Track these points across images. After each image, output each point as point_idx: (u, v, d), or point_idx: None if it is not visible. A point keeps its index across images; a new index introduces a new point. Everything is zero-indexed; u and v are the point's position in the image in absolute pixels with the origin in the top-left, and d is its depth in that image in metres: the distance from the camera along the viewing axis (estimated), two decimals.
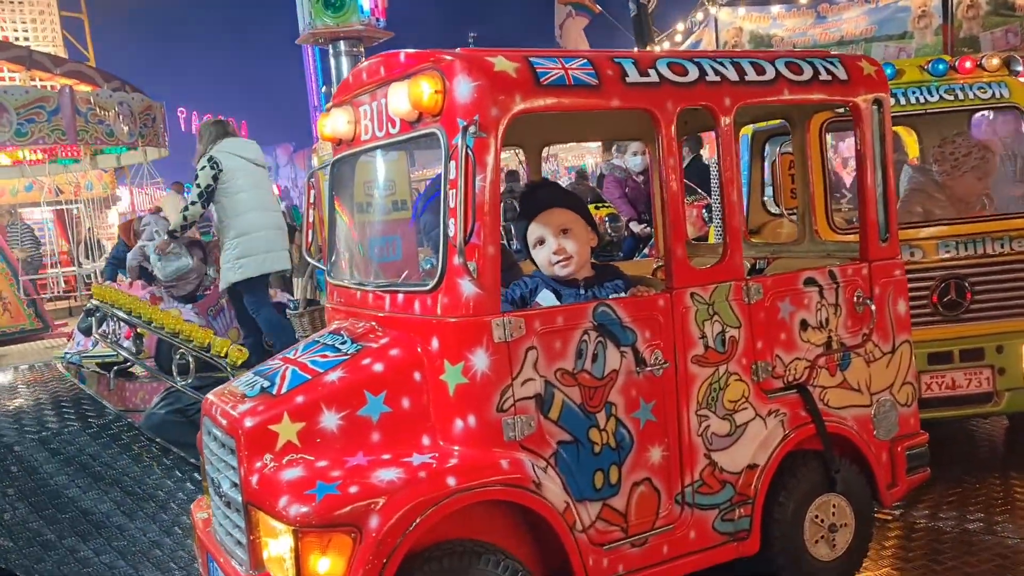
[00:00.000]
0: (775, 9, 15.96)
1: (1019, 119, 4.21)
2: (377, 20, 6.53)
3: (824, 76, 3.01)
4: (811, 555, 2.95)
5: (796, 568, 2.93)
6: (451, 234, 2.41)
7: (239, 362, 4.65)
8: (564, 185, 3.26)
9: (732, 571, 2.92)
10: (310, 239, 3.44)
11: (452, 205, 2.40)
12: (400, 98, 2.57)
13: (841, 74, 3.04)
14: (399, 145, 2.84)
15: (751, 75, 2.86)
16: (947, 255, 3.92)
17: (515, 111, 2.46)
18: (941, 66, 4.09)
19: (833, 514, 2.98)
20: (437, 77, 2.47)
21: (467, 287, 2.43)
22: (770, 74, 2.90)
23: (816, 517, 2.95)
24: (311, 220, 3.46)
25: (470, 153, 2.35)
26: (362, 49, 6.57)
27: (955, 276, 3.94)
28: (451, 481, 2.33)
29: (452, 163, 2.39)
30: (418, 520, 2.25)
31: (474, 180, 2.36)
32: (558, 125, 3.68)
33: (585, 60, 2.62)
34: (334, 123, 3.08)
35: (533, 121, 2.89)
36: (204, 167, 5.95)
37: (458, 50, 2.54)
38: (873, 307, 3.06)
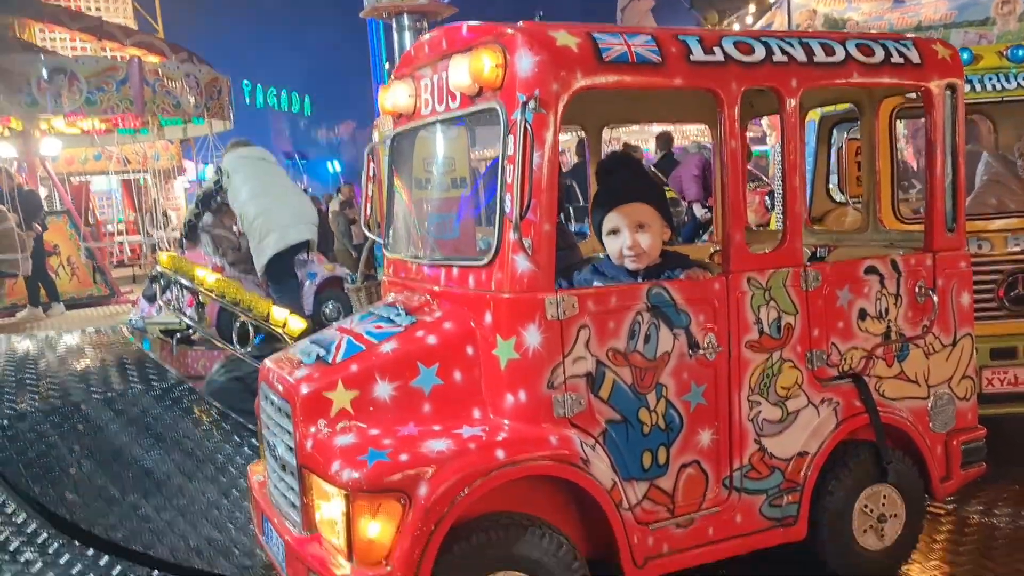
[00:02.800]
0: None
1: None
2: None
3: (896, 59, 2.93)
4: (859, 544, 2.92)
5: (843, 556, 2.90)
6: (507, 210, 2.42)
7: (297, 332, 4.74)
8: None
9: (775, 560, 2.90)
10: (368, 212, 3.48)
11: (509, 180, 2.41)
12: (461, 71, 2.58)
13: (914, 57, 2.97)
14: (459, 120, 2.85)
15: (820, 56, 2.81)
16: (1017, 248, 3.81)
17: (576, 87, 2.45)
18: (1021, 52, 3.96)
19: (883, 504, 2.94)
20: (499, 51, 2.47)
21: (522, 263, 2.44)
22: (840, 55, 2.84)
23: (866, 507, 2.91)
24: (369, 193, 3.49)
25: (529, 128, 2.35)
26: (426, 24, 6.59)
27: (1022, 271, 3.83)
28: (500, 454, 2.36)
29: (511, 138, 2.40)
30: (466, 490, 2.29)
31: (532, 156, 2.36)
32: (619, 105, 3.66)
33: (649, 37, 2.60)
34: (395, 96, 3.10)
35: (594, 99, 2.88)
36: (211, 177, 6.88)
37: (520, 24, 2.53)
38: (935, 299, 3.00)
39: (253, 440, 4.47)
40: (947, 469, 3.08)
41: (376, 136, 6.72)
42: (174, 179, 20.87)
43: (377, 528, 2.28)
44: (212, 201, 7.60)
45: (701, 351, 2.65)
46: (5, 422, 4.07)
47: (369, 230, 3.46)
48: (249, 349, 5.13)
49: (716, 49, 2.67)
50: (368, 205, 3.48)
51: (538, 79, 2.41)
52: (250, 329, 5.05)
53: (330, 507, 2.40)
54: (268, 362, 2.90)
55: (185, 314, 6.39)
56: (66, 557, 3.24)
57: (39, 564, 3.16)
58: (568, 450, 2.44)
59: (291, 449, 2.57)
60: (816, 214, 4.57)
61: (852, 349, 2.90)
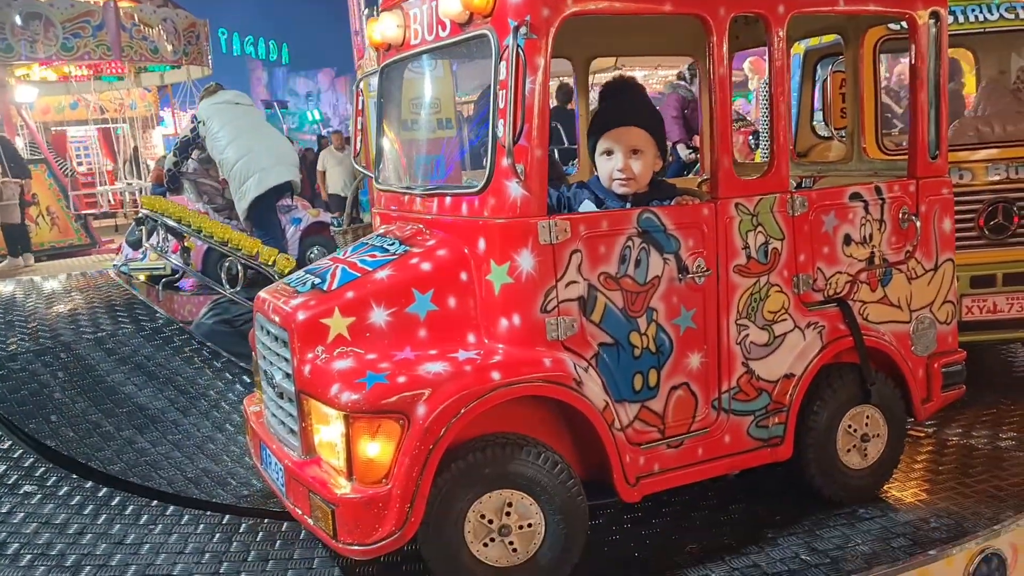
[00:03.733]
0: None
1: None
2: None
3: None
4: (843, 463, 3.01)
5: (827, 475, 2.99)
6: (500, 135, 2.44)
7: (287, 270, 4.76)
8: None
9: (760, 478, 3.00)
10: (358, 147, 3.48)
11: (501, 106, 2.42)
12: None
13: None
14: (448, 48, 2.84)
15: None
16: (997, 177, 3.87)
17: (566, 13, 2.46)
18: None
19: (866, 425, 3.03)
20: None
21: (514, 189, 2.47)
22: None
23: (849, 427, 3.00)
24: (359, 128, 3.49)
25: (521, 54, 2.36)
26: None
27: (1003, 200, 3.90)
28: (495, 375, 2.41)
29: (503, 64, 2.41)
30: (463, 411, 2.34)
31: (524, 82, 2.38)
32: (607, 36, 3.65)
33: None
34: (383, 27, 3.08)
35: (581, 30, 2.88)
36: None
37: None
38: (918, 224, 3.06)
39: (244, 377, 4.53)
40: (928, 391, 3.17)
41: (359, 74, 6.66)
42: (152, 128, 20.55)
43: (376, 448, 2.34)
44: (189, 148, 7.67)
45: (690, 275, 2.70)
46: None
47: (359, 164, 3.47)
48: (238, 290, 5.15)
49: None
50: (357, 139, 3.49)
51: (529, 4, 2.42)
52: (239, 269, 5.06)
53: (329, 430, 2.45)
54: (263, 293, 2.93)
55: (170, 258, 6.39)
56: (65, 489, 3.29)
57: (38, 496, 3.22)
58: (562, 371, 2.50)
59: (289, 376, 2.62)
60: (801, 149, 4.60)
61: (837, 274, 2.96)
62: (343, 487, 2.39)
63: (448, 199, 2.74)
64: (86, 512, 3.13)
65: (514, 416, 2.55)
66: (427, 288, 2.59)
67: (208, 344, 4.83)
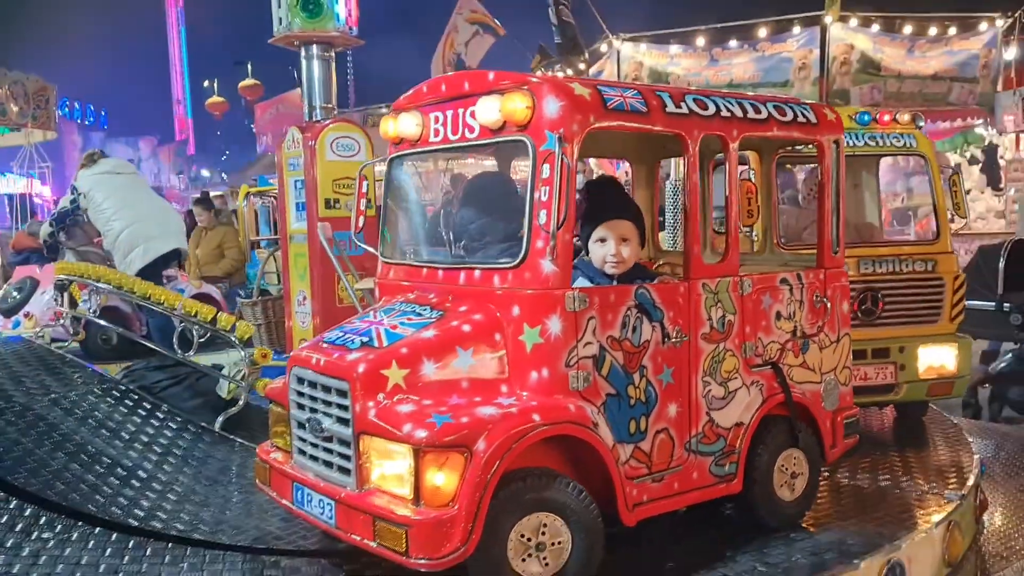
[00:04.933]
0: (674, 48, 17.18)
1: (926, 165, 5.18)
2: (350, 28, 7.01)
3: (800, 119, 3.79)
4: (778, 496, 3.69)
5: (767, 505, 3.66)
6: (542, 222, 3.02)
7: (247, 336, 5.04)
8: None
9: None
10: (361, 224, 3.94)
11: (545, 199, 3.01)
12: (490, 109, 3.16)
13: (812, 118, 3.84)
14: (476, 147, 3.41)
15: (751, 113, 3.61)
16: (868, 271, 4.82)
17: (590, 127, 3.10)
18: (866, 117, 5.01)
19: (794, 464, 3.74)
20: (528, 96, 3.08)
21: (547, 265, 3.04)
22: (764, 114, 3.66)
23: (782, 466, 3.70)
24: (362, 208, 3.96)
25: (566, 160, 2.97)
26: (332, 53, 7.00)
27: (871, 289, 4.85)
28: (536, 417, 2.93)
29: (546, 166, 3.01)
30: (513, 445, 2.84)
31: (568, 181, 2.98)
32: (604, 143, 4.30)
33: (636, 91, 3.30)
34: (402, 124, 3.61)
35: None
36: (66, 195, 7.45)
37: (540, 74, 3.15)
38: (828, 304, 3.86)
39: (202, 430, 4.76)
40: (834, 439, 3.94)
41: (281, 157, 7.01)
42: None
43: (443, 477, 2.79)
44: (67, 219, 7.72)
45: (671, 340, 3.34)
46: None
47: (359, 240, 3.93)
48: (191, 354, 5.34)
49: (682, 103, 3.40)
50: (360, 218, 3.95)
51: (562, 120, 3.04)
52: (194, 334, 5.27)
53: (395, 464, 2.88)
54: (303, 352, 3.32)
55: (99, 322, 6.42)
56: (75, 535, 3.45)
57: (52, 542, 3.36)
58: (584, 416, 3.05)
59: (345, 421, 3.02)
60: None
61: (772, 342, 3.70)
62: (410, 511, 2.80)
63: (478, 272, 3.27)
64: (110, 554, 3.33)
65: (536, 454, 3.06)
66: (468, 346, 3.10)
67: (160, 402, 5.00)
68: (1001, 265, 7.20)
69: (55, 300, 6.62)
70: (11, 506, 3.52)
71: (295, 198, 6.82)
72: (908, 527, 3.77)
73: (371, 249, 3.99)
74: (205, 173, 46.76)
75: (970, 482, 4.35)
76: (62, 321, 6.65)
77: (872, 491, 4.26)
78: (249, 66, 34.75)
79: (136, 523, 3.58)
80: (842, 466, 4.56)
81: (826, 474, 4.43)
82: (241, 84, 34.38)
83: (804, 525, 3.78)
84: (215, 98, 38.15)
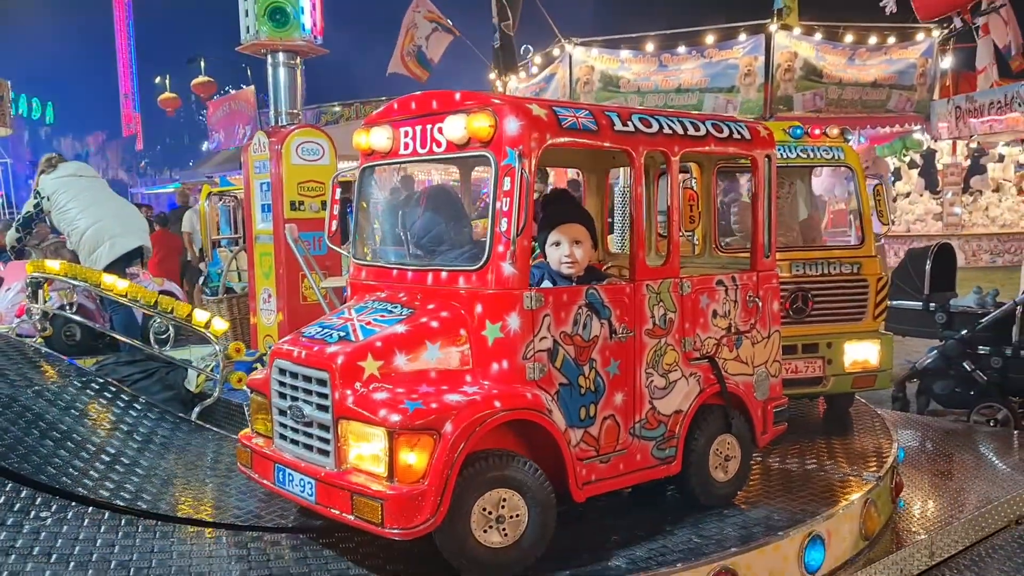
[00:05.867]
0: (624, 53, 17.69)
1: (852, 175, 5.64)
2: (316, 38, 7.29)
3: (736, 135, 4.20)
4: (712, 477, 4.09)
5: (704, 486, 4.06)
6: (503, 229, 3.37)
7: (221, 332, 5.31)
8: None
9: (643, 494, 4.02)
10: (334, 228, 4.25)
11: (505, 209, 3.36)
12: (457, 126, 3.51)
13: (747, 134, 4.25)
14: (443, 160, 3.76)
15: (691, 130, 4.00)
16: (799, 273, 5.26)
17: (546, 144, 3.46)
18: (799, 131, 5.46)
19: (728, 448, 4.14)
20: (490, 115, 3.43)
21: (508, 268, 3.39)
22: (703, 131, 4.06)
23: (717, 450, 4.10)
24: (336, 213, 4.28)
25: (525, 174, 3.33)
26: (298, 61, 7.27)
27: (801, 289, 5.29)
28: (497, 404, 3.28)
29: (507, 179, 3.36)
30: (477, 428, 3.19)
31: (526, 192, 3.34)
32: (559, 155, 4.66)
33: (588, 111, 3.66)
34: (374, 138, 3.94)
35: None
36: (28, 200, 7.81)
37: (501, 95, 3.50)
38: (760, 304, 4.28)
39: (179, 420, 5.03)
40: (764, 426, 4.35)
41: (247, 157, 7.27)
42: None
43: (414, 457, 3.12)
44: (32, 223, 7.97)
45: (617, 336, 3.72)
46: None
47: (333, 244, 4.24)
48: (167, 349, 5.60)
49: (629, 122, 3.78)
50: (334, 222, 4.26)
51: (521, 137, 3.40)
52: (170, 330, 5.52)
53: (371, 446, 3.21)
54: (283, 345, 3.63)
55: (73, 317, 6.63)
56: (70, 514, 3.71)
57: (50, 520, 3.62)
58: (539, 403, 3.41)
59: (324, 408, 3.34)
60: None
61: (708, 338, 4.09)
62: (385, 486, 3.14)
63: (444, 273, 3.61)
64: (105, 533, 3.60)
65: (496, 437, 3.41)
66: (436, 340, 3.44)
67: (137, 395, 5.25)
68: (928, 267, 7.72)
69: (27, 298, 6.80)
70: (7, 488, 3.76)
71: (261, 199, 7.11)
72: (829, 504, 4.19)
73: (343, 251, 4.31)
74: (152, 170, 46.26)
75: (887, 465, 4.80)
76: (31, 317, 6.84)
77: (799, 473, 4.69)
78: (202, 63, 34.61)
79: (125, 504, 3.84)
80: (773, 451, 4.99)
81: (758, 458, 4.86)
82: (194, 81, 34.20)
83: (736, 503, 4.19)
84: (167, 94, 37.85)
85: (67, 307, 6.70)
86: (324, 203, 6.86)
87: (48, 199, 7.55)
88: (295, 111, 7.24)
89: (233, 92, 31.24)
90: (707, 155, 4.53)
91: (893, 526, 4.69)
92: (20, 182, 30.75)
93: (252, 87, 27.65)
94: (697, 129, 4.04)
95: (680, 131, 3.95)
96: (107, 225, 7.41)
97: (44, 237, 8.99)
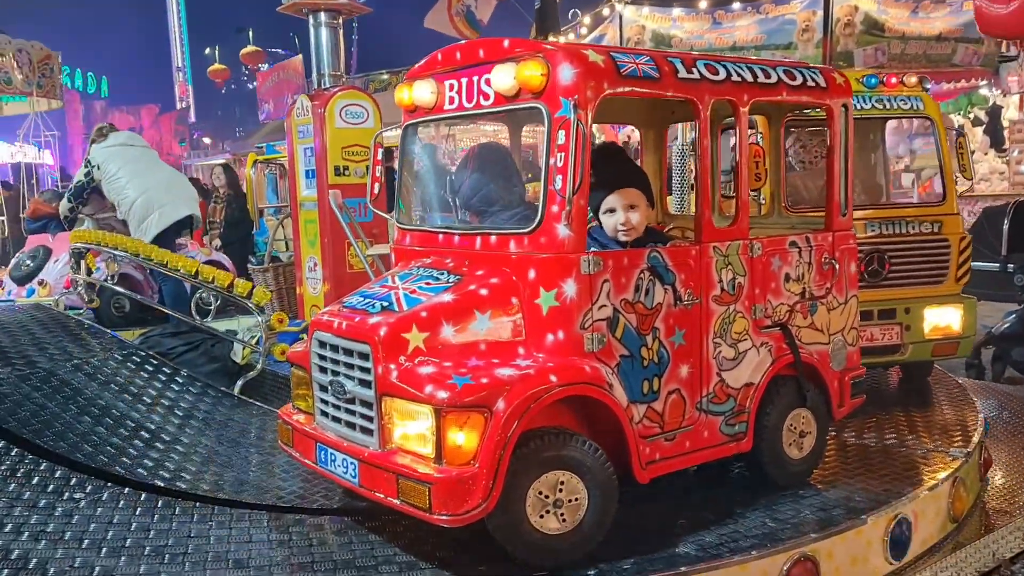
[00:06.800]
0: (676, 11, 17.07)
1: (932, 128, 5.21)
2: None
3: (810, 83, 3.83)
4: (786, 454, 3.78)
5: (776, 464, 3.76)
6: (557, 187, 3.07)
7: (263, 301, 5.12)
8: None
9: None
10: (376, 191, 4.00)
11: (560, 165, 3.06)
12: (506, 76, 3.20)
13: (822, 82, 3.87)
14: (491, 115, 3.46)
15: (761, 78, 3.64)
16: (872, 233, 4.88)
17: (604, 94, 3.14)
18: (874, 80, 5.04)
19: (803, 423, 3.83)
20: (543, 63, 3.12)
21: (563, 230, 3.10)
22: (774, 78, 3.70)
23: (791, 426, 3.79)
24: (378, 175, 4.02)
25: (581, 126, 3.02)
26: (340, 21, 7.01)
27: (877, 251, 4.91)
28: (553, 378, 3.01)
29: (561, 132, 3.06)
30: (532, 405, 2.92)
31: (583, 147, 3.03)
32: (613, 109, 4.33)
33: (649, 57, 3.33)
34: (417, 92, 3.65)
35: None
36: (80, 169, 7.68)
37: (554, 42, 3.19)
38: (837, 266, 3.93)
39: (221, 394, 4.87)
40: (841, 398, 4.02)
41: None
42: None
43: (463, 437, 2.87)
44: (84, 193, 7.86)
45: (683, 303, 3.41)
46: None
47: (375, 207, 3.99)
48: (209, 320, 5.43)
49: (693, 69, 3.44)
50: (376, 184, 4.01)
51: (576, 86, 3.09)
52: (212, 300, 5.36)
53: (417, 424, 2.96)
54: (324, 316, 3.40)
55: (115, 288, 6.53)
56: (105, 495, 3.56)
57: (84, 502, 3.46)
58: (599, 377, 3.13)
59: (367, 383, 3.10)
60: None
61: (780, 304, 3.76)
62: (432, 469, 2.90)
63: (493, 237, 3.33)
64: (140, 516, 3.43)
65: (552, 414, 3.14)
66: (486, 309, 3.17)
67: (180, 368, 5.10)
68: (1005, 226, 7.24)
69: (71, 268, 6.71)
70: (42, 467, 3.62)
71: (305, 165, 6.90)
72: (914, 484, 3.86)
73: (386, 216, 4.06)
74: (207, 141, 46.61)
75: (975, 440, 4.44)
76: (77, 288, 6.75)
77: (878, 449, 4.36)
78: (251, 33, 34.53)
79: (162, 484, 3.68)
80: (848, 425, 4.65)
81: (833, 433, 4.52)
82: (243, 51, 34.18)
83: (812, 483, 3.88)
84: (217, 66, 37.93)
85: (111, 278, 6.57)
86: (369, 168, 6.63)
87: (98, 168, 7.46)
88: (338, 73, 6.99)
89: (281, 62, 31.13)
90: (777, 105, 4.17)
91: (981, 506, 4.34)
92: (77, 156, 31.13)
93: (300, 56, 27.51)
94: (768, 76, 3.68)
95: (749, 78, 3.60)
96: (156, 195, 7.30)
97: (102, 208, 8.90)
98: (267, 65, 33.02)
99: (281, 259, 8.14)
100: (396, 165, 3.92)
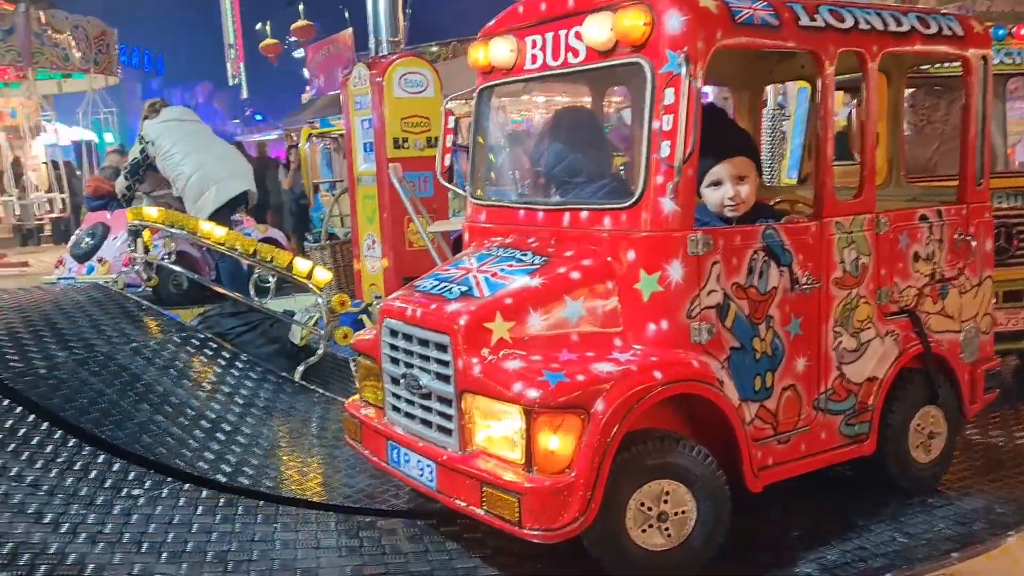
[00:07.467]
0: None
1: None
2: None
3: (946, 31, 3.33)
4: (913, 458, 3.34)
5: (902, 469, 3.31)
6: (664, 155, 2.66)
7: (323, 283, 4.80)
8: None
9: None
10: (447, 163, 3.60)
11: (667, 128, 2.64)
12: (600, 28, 2.79)
13: (959, 30, 3.37)
14: (581, 72, 3.04)
15: (892, 26, 3.16)
16: (1004, 205, 4.35)
17: (717, 45, 2.71)
18: (1001, 32, 4.49)
19: (932, 423, 3.37)
20: (646, 10, 2.69)
21: (668, 204, 2.69)
22: (906, 26, 3.21)
23: (919, 426, 3.34)
24: (449, 146, 3.62)
25: (693, 83, 2.59)
26: None
27: (1004, 224, 4.38)
28: (658, 375, 2.62)
29: (669, 90, 2.64)
30: (635, 406, 2.53)
31: (695, 108, 2.61)
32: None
33: (767, 3, 2.88)
34: (494, 51, 3.25)
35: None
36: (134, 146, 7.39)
37: None
38: (973, 243, 3.44)
39: (282, 380, 4.58)
40: (973, 394, 3.55)
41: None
42: (31, 138, 19.46)
43: (557, 442, 2.49)
44: (140, 170, 7.66)
45: (800, 287, 2.98)
46: (42, 371, 3.98)
47: (449, 181, 3.60)
48: (267, 301, 5.15)
49: (817, 15, 2.98)
50: (447, 156, 3.61)
51: (686, 37, 2.66)
52: (270, 280, 5.07)
53: (503, 425, 2.59)
54: (395, 302, 3.04)
55: (172, 267, 6.31)
56: (165, 492, 3.28)
57: (142, 499, 3.19)
58: (708, 372, 2.73)
59: (446, 377, 2.74)
60: (806, 173, 5.00)
61: (908, 287, 3.30)
62: (522, 476, 2.52)
63: (584, 213, 2.93)
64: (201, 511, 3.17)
65: (653, 415, 2.75)
66: (578, 295, 2.78)
67: (241, 352, 4.83)
68: None
69: (128, 246, 6.50)
70: (99, 460, 3.35)
71: (362, 138, 6.55)
72: None
73: (458, 190, 3.69)
74: (259, 117, 46.81)
75: None
76: (135, 267, 6.54)
77: (1009, 449, 3.88)
78: (300, 7, 34.32)
79: (224, 479, 3.39)
80: (969, 422, 4.16)
81: None
82: (293, 25, 34.02)
83: (942, 490, 3.42)
84: (268, 40, 37.85)
85: (168, 256, 6.34)
86: (429, 139, 6.28)
87: (152, 144, 7.24)
88: (396, 39, 6.60)
89: (331, 36, 30.91)
90: (899, 59, 3.67)
91: None
92: (133, 133, 31.41)
93: (350, 29, 27.24)
94: (900, 24, 3.20)
95: (880, 27, 3.13)
96: (211, 170, 7.05)
97: (158, 186, 8.73)
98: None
99: (338, 236, 7.84)
100: (460, 139, 3.52)
